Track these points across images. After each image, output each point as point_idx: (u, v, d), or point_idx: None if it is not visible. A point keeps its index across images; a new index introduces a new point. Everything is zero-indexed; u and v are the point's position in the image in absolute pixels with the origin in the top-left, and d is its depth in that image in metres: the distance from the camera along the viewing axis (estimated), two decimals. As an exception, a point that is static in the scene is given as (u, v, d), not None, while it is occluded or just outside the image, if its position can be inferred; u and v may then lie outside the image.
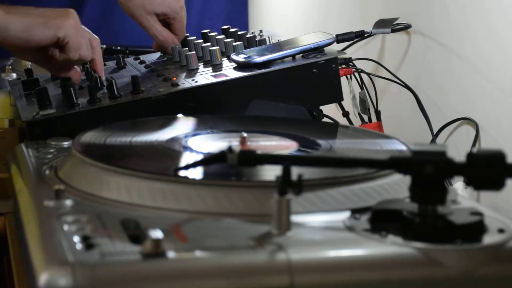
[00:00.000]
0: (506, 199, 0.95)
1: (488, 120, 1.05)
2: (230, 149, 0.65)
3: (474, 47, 1.08)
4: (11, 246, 0.88)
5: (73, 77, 1.06)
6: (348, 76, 1.25)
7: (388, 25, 1.23)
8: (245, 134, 0.83)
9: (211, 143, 0.85)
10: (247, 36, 1.21)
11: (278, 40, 1.18)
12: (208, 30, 1.27)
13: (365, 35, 1.24)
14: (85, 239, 0.58)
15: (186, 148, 0.82)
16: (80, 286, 0.53)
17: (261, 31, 1.30)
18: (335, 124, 1.12)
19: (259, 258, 0.57)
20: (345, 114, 1.25)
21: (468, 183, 0.61)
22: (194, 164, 0.71)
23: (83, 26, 1.03)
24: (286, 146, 0.84)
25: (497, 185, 0.60)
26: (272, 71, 1.03)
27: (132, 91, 1.01)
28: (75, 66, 1.06)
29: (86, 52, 1.02)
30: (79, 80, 1.07)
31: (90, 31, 1.06)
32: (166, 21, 1.22)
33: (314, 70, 1.04)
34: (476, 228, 0.62)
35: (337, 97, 1.08)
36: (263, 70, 1.03)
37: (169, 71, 1.11)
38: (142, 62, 1.20)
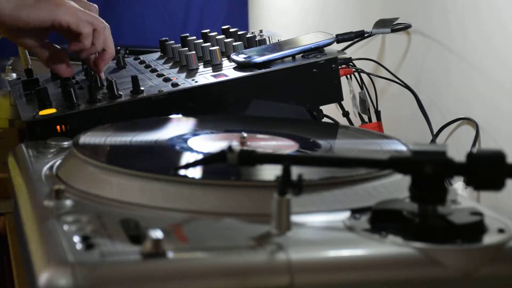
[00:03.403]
0: (506, 199, 0.95)
1: (488, 120, 1.05)
2: (230, 149, 0.65)
3: (474, 47, 1.08)
4: (11, 246, 0.88)
5: (60, 70, 1.04)
6: (348, 76, 1.25)
7: (388, 25, 1.23)
8: (245, 134, 0.83)
9: (211, 143, 0.85)
10: (247, 36, 1.21)
11: (278, 40, 1.18)
12: (208, 30, 1.27)
13: (365, 35, 1.24)
14: (85, 239, 0.58)
15: (186, 148, 0.82)
16: (80, 286, 0.53)
17: (261, 31, 1.30)
18: (335, 124, 1.12)
19: (259, 258, 0.57)
20: (345, 114, 1.25)
21: (468, 183, 0.61)
22: (194, 164, 0.71)
23: (87, 12, 1.00)
24: (286, 146, 0.84)
25: (497, 185, 0.60)
26: (272, 71, 1.03)
27: (132, 91, 1.01)
28: (67, 60, 1.04)
29: (87, 41, 1.00)
30: (69, 74, 1.05)
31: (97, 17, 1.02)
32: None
33: (314, 70, 1.04)
34: (476, 228, 0.62)
35: (337, 97, 1.08)
36: (263, 70, 1.03)
37: (169, 71, 1.11)
38: (142, 62, 1.20)
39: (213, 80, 1.02)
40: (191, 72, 1.08)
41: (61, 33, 1.01)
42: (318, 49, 1.07)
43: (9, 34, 1.02)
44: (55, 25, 0.98)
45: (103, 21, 1.02)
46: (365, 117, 1.25)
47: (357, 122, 1.27)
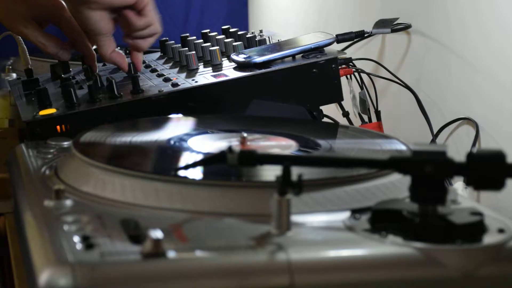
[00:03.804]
0: (506, 199, 0.95)
1: (488, 120, 1.05)
2: (230, 149, 0.65)
3: (474, 47, 1.08)
4: (11, 246, 0.88)
5: (63, 56, 1.05)
6: (348, 76, 1.25)
7: (388, 25, 1.23)
8: (245, 134, 0.83)
9: (211, 143, 0.85)
10: (247, 36, 1.21)
11: (278, 40, 1.18)
12: (208, 30, 1.27)
13: (365, 35, 1.24)
14: (85, 239, 0.58)
15: (186, 148, 0.82)
16: (80, 286, 0.53)
17: (261, 31, 1.30)
18: (335, 124, 1.12)
19: (259, 258, 0.57)
20: (345, 114, 1.25)
21: (468, 183, 0.61)
22: (194, 164, 0.71)
23: None
24: (286, 146, 0.84)
25: (497, 185, 0.60)
26: (272, 71, 1.03)
27: (132, 91, 1.01)
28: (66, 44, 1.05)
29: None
30: (66, 58, 1.06)
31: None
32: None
33: (314, 70, 1.04)
34: (476, 228, 0.62)
35: (337, 97, 1.08)
36: (263, 70, 1.03)
37: (169, 71, 1.11)
38: (142, 62, 1.20)
39: (213, 80, 1.02)
40: (191, 72, 1.08)
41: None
42: (318, 49, 1.07)
43: (13, 21, 1.01)
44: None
45: None
46: (365, 117, 1.25)
47: (357, 122, 1.27)
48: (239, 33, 1.23)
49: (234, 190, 0.67)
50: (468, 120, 1.08)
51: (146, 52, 1.28)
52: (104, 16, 1.02)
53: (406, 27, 1.23)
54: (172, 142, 0.84)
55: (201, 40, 1.21)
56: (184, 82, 1.03)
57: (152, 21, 1.02)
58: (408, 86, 1.19)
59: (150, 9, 1.01)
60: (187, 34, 1.25)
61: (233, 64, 1.07)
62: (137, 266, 0.55)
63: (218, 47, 1.11)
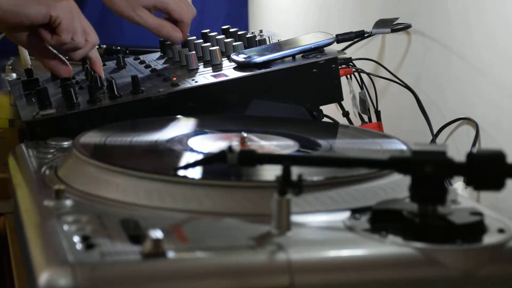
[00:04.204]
0: (506, 199, 0.95)
1: (488, 120, 1.05)
2: (230, 149, 0.65)
3: (474, 47, 1.08)
4: (11, 246, 0.88)
5: (57, 69, 1.05)
6: (348, 76, 1.25)
7: (388, 25, 1.23)
8: (245, 134, 0.83)
9: (211, 143, 0.85)
10: (247, 36, 1.21)
11: (278, 40, 1.18)
12: (208, 30, 1.27)
13: (365, 35, 1.24)
14: (85, 239, 0.58)
15: (186, 148, 0.82)
16: (80, 286, 0.53)
17: (261, 31, 1.30)
18: (335, 124, 1.12)
19: (259, 258, 0.57)
20: (345, 114, 1.25)
21: (468, 183, 0.61)
22: (194, 164, 0.71)
23: (83, 17, 1.02)
24: (286, 146, 0.84)
25: (497, 185, 0.60)
26: (272, 71, 1.03)
27: (132, 91, 1.01)
28: (65, 59, 1.05)
29: (79, 39, 1.00)
30: (67, 74, 1.06)
31: (91, 26, 1.04)
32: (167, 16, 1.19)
33: (314, 70, 1.04)
34: (476, 228, 0.62)
35: (337, 97, 1.08)
36: (263, 70, 1.03)
37: (169, 71, 1.11)
38: (142, 62, 1.20)
39: (213, 80, 1.02)
40: (191, 72, 1.08)
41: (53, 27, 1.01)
42: (318, 49, 1.07)
43: (9, 32, 1.02)
44: (51, 20, 0.98)
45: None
46: (365, 117, 1.25)
47: (357, 122, 1.27)
48: (239, 33, 1.23)
49: (234, 190, 0.67)
50: (468, 120, 1.08)
51: (146, 52, 1.29)
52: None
53: (406, 27, 1.23)
54: (172, 142, 0.84)
55: (201, 40, 1.21)
56: (184, 82, 1.03)
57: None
58: (408, 86, 1.19)
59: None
60: (187, 34, 1.25)
61: (233, 64, 1.07)
62: (137, 266, 0.55)
63: (218, 47, 1.11)
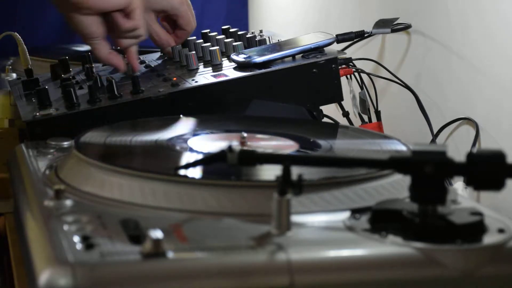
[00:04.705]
0: (506, 199, 0.95)
1: (488, 120, 1.05)
2: (230, 149, 0.65)
3: (474, 47, 1.08)
4: (11, 246, 0.88)
5: (118, 63, 1.08)
6: (348, 76, 1.25)
7: (388, 25, 1.23)
8: (245, 134, 0.83)
9: (211, 143, 0.85)
10: (247, 36, 1.21)
11: (278, 40, 1.18)
12: (208, 30, 1.27)
13: (365, 35, 1.24)
14: (85, 239, 0.58)
15: (186, 147, 0.82)
16: (80, 286, 0.53)
17: (261, 31, 1.30)
18: (335, 124, 1.12)
19: (259, 258, 0.57)
20: (345, 114, 1.25)
21: (468, 183, 0.61)
22: (194, 164, 0.71)
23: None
24: (286, 146, 0.84)
25: (497, 185, 0.60)
26: (272, 71, 1.03)
27: (132, 91, 1.01)
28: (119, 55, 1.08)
29: (144, 27, 1.04)
30: (123, 68, 1.09)
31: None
32: (171, 19, 1.19)
33: (314, 70, 1.04)
34: (476, 228, 0.62)
35: (337, 97, 1.08)
36: (263, 70, 1.03)
37: (169, 71, 1.11)
38: (142, 62, 1.20)
39: (213, 80, 1.02)
40: (191, 72, 1.08)
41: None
42: (318, 49, 1.07)
43: (76, 14, 1.02)
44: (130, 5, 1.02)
45: None
46: (365, 117, 1.25)
47: (357, 122, 1.27)
48: (239, 33, 1.23)
49: (234, 190, 0.67)
50: (468, 120, 1.08)
51: (146, 52, 1.29)
52: (96, 20, 1.03)
53: (406, 27, 1.23)
54: (172, 142, 0.84)
55: (201, 40, 1.21)
56: (184, 82, 1.03)
57: (139, 25, 1.03)
58: (408, 86, 1.19)
59: (139, 13, 1.02)
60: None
61: (233, 64, 1.07)
62: (137, 266, 0.55)
63: (218, 47, 1.11)
